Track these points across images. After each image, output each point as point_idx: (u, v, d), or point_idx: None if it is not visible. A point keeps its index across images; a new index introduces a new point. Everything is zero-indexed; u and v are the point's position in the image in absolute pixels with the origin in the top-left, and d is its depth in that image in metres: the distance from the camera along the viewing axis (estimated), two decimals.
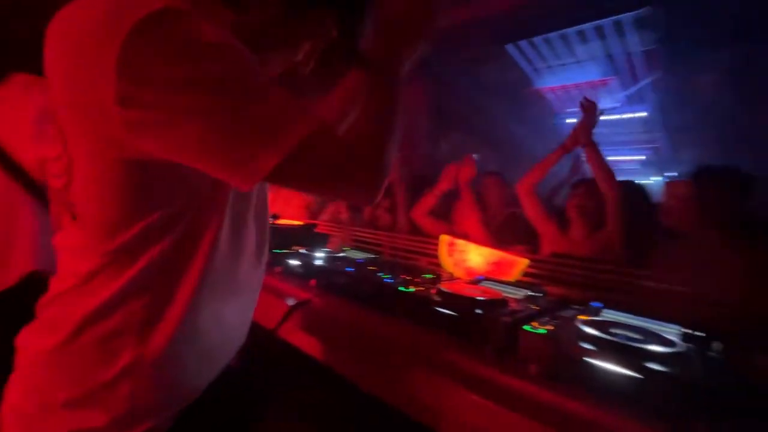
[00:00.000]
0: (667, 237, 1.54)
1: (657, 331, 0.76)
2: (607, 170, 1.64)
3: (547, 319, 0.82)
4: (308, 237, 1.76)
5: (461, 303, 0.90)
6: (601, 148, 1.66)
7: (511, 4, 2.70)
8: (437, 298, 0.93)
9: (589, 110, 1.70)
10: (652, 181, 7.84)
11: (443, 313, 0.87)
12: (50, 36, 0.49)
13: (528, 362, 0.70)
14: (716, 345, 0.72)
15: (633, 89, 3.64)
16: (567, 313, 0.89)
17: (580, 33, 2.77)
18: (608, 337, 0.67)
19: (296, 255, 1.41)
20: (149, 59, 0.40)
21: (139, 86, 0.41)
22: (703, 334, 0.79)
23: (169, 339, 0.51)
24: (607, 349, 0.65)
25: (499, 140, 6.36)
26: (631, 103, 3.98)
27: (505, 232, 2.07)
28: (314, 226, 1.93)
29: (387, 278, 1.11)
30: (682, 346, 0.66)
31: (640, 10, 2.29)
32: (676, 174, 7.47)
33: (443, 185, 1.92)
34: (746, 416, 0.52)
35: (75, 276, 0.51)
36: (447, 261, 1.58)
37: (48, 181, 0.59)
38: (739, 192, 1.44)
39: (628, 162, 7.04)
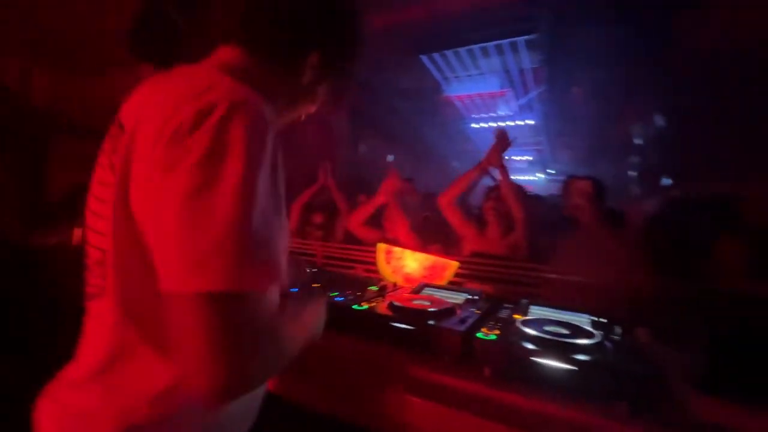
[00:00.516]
0: (565, 232, 1.81)
1: (578, 323, 0.91)
2: (514, 192, 1.84)
3: (491, 323, 0.91)
4: None
5: (415, 316, 0.94)
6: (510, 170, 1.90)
7: (425, 16, 2.87)
8: (392, 314, 0.97)
9: (501, 137, 1.91)
10: (537, 177, 9.19)
11: (400, 328, 0.91)
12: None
13: (483, 366, 0.78)
14: (617, 329, 0.90)
15: (524, 100, 4.18)
16: (504, 314, 1.01)
17: (484, 49, 3.08)
18: (545, 336, 0.79)
19: None
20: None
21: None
22: (605, 320, 0.98)
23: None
24: (546, 347, 0.76)
25: (413, 142, 6.72)
26: (523, 111, 4.58)
27: (423, 234, 2.21)
28: None
29: (336, 296, 1.10)
30: (598, 336, 0.81)
31: (531, 36, 2.65)
32: (554, 172, 8.86)
33: (380, 198, 1.98)
34: (648, 385, 0.67)
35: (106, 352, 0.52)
36: (385, 269, 1.63)
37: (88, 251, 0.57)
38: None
39: (519, 161, 8.14)
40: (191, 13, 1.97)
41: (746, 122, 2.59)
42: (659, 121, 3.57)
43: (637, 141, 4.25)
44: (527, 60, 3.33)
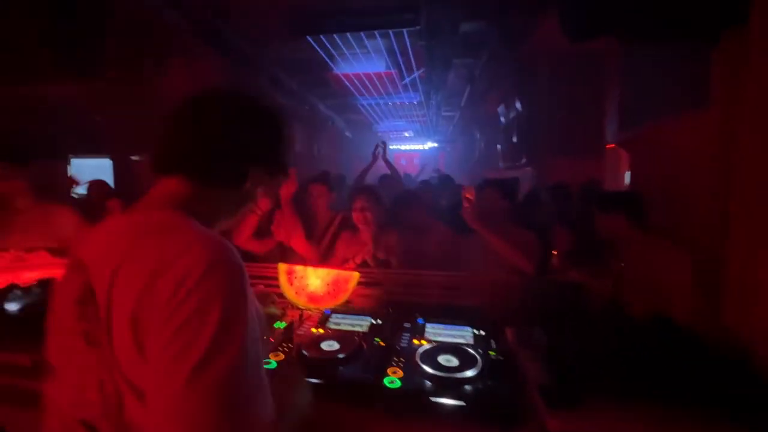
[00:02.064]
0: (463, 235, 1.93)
1: (463, 343, 1.08)
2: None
3: (395, 359, 1.01)
4: None
5: (326, 366, 0.98)
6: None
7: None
8: (304, 366, 0.99)
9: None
10: (427, 147, 9.87)
11: (314, 383, 0.94)
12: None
13: (388, 411, 0.88)
14: (492, 342, 1.10)
15: (407, 79, 4.32)
16: (405, 341, 1.13)
17: (369, 33, 3.04)
18: (441, 375, 0.92)
19: None
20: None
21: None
22: (484, 333, 1.18)
23: None
24: (443, 386, 0.89)
25: (302, 116, 6.40)
26: (406, 90, 4.75)
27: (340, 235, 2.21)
28: None
29: None
30: (479, 361, 0.97)
31: (414, 28, 2.71)
32: (436, 144, 9.62)
33: (264, 205, 1.82)
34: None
35: None
36: (289, 290, 1.61)
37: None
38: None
39: (408, 134, 8.60)
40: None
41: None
42: (517, 104, 4.14)
43: (502, 119, 4.88)
44: (409, 44, 3.41)
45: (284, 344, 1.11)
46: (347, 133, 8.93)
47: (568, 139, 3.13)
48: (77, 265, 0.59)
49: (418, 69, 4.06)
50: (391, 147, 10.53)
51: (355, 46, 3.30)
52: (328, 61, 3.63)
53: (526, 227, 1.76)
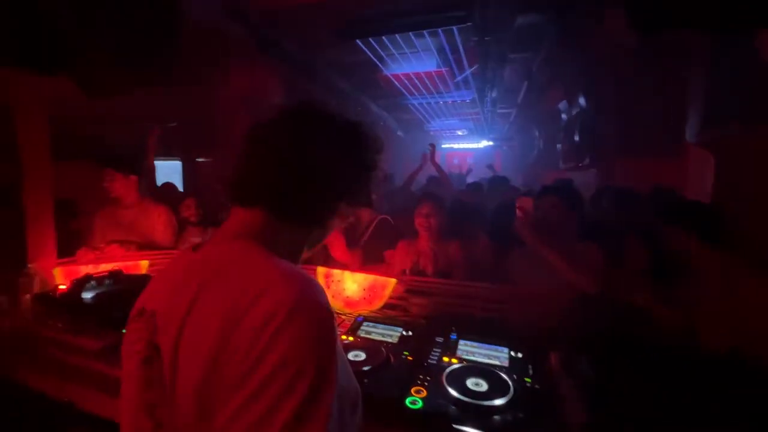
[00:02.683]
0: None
1: (496, 367, 1.00)
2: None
3: (421, 376, 0.98)
4: None
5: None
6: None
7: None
8: None
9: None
10: (481, 145, 9.53)
11: None
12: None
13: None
14: (530, 368, 1.01)
15: (459, 78, 4.19)
16: (434, 358, 1.08)
17: (418, 32, 2.98)
18: (466, 399, 0.86)
19: None
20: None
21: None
22: (522, 355, 1.09)
23: None
24: (466, 411, 0.84)
25: (357, 116, 6.52)
26: (459, 88, 4.61)
27: (378, 237, 2.21)
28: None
29: None
30: (511, 389, 0.90)
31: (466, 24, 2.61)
32: (491, 142, 9.24)
33: None
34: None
35: None
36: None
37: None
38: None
39: (461, 132, 8.37)
40: (84, 19, 1.67)
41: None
42: (581, 99, 3.80)
43: (563, 116, 4.52)
44: (460, 41, 3.29)
45: None
46: (399, 133, 8.92)
47: (639, 138, 2.79)
48: (143, 315, 0.55)
49: (470, 66, 3.91)
50: (443, 146, 10.34)
51: (404, 46, 3.26)
52: (377, 63, 3.64)
53: (587, 235, 1.58)
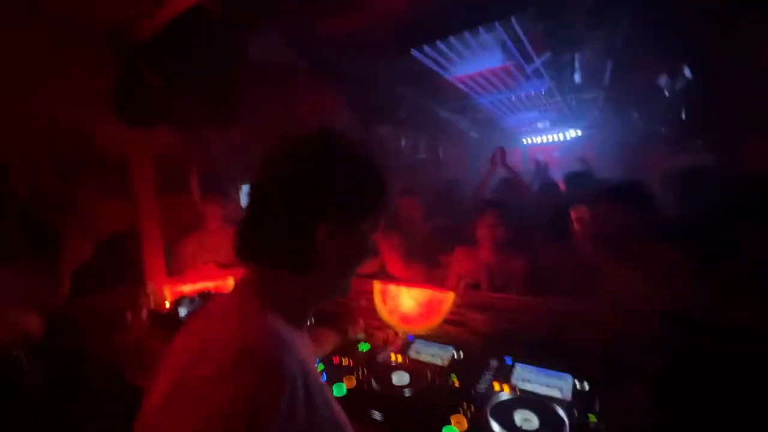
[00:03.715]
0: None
1: (553, 400, 0.88)
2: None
3: (465, 403, 0.91)
4: None
5: (393, 401, 0.96)
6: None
7: (406, 8, 2.71)
8: (372, 396, 0.99)
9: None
10: (565, 135, 8.68)
11: (378, 420, 0.93)
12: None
13: None
14: (597, 405, 0.86)
15: (530, 69, 3.87)
16: (485, 383, 1.00)
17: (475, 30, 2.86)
18: None
19: None
20: None
21: None
22: (588, 386, 0.94)
23: None
24: None
25: (424, 125, 6.51)
26: (531, 80, 4.26)
27: (431, 246, 2.16)
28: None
29: (323, 370, 1.14)
30: (566, 426, 0.78)
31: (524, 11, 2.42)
32: (579, 132, 8.31)
33: None
34: None
35: None
36: (382, 309, 1.65)
37: None
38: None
39: (541, 125, 7.73)
40: (167, 74, 2.01)
41: None
42: (686, 70, 3.18)
43: (666, 92, 3.84)
44: (521, 31, 3.06)
45: (361, 368, 1.14)
46: (472, 134, 8.60)
47: (764, 109, 2.21)
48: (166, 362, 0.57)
49: (540, 55, 3.59)
50: (525, 141, 9.61)
51: (461, 47, 3.15)
52: (437, 69, 3.58)
53: (684, 240, 1.30)
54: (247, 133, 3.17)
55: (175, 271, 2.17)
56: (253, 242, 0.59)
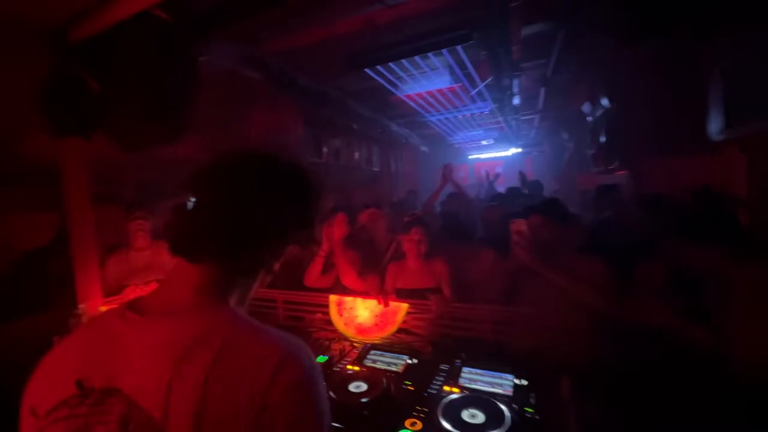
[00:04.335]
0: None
1: (497, 396, 0.98)
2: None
3: (418, 408, 0.97)
4: None
5: (351, 408, 0.99)
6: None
7: (360, 30, 2.82)
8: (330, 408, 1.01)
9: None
10: (509, 153, 9.35)
11: (336, 427, 0.96)
12: None
13: None
14: (531, 397, 0.97)
15: (474, 91, 4.18)
16: (435, 387, 1.08)
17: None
18: None
19: None
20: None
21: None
22: (526, 383, 1.05)
23: None
24: None
25: (377, 138, 6.67)
26: (476, 101, 4.60)
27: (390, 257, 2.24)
28: None
29: None
30: (507, 417, 0.87)
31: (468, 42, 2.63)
32: (520, 149, 9.04)
33: (325, 246, 1.92)
34: None
35: None
36: (338, 321, 1.67)
37: None
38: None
39: (486, 142, 8.28)
40: (108, 79, 1.90)
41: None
42: (604, 100, 3.64)
43: (588, 118, 4.35)
44: (466, 57, 3.32)
45: None
46: (423, 148, 8.96)
47: (668, 136, 2.61)
48: (92, 395, 0.50)
49: (483, 78, 3.90)
50: (470, 157, 10.21)
51: (411, 68, 3.33)
52: (389, 87, 3.74)
53: (601, 253, 1.51)
54: (196, 145, 3.06)
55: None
56: (231, 243, 0.58)
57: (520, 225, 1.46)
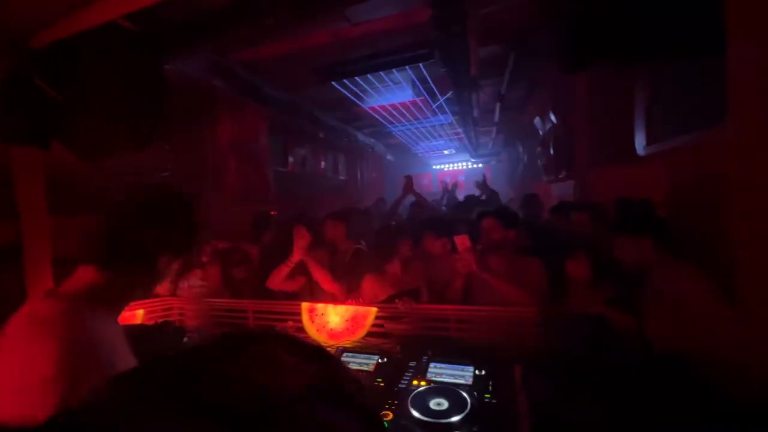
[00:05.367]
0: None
1: (459, 385, 1.09)
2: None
3: (389, 401, 1.06)
4: (158, 342, 1.61)
5: None
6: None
7: (327, 43, 2.92)
8: None
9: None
10: (466, 165, 9.78)
11: None
12: None
13: None
14: (490, 384, 1.10)
15: (435, 105, 4.41)
16: (405, 382, 1.17)
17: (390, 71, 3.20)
18: (427, 419, 0.95)
19: None
20: None
21: None
22: (485, 372, 1.18)
23: None
24: (427, 431, 0.92)
25: (343, 147, 6.76)
26: (437, 114, 4.83)
27: (354, 266, 2.31)
28: (167, 325, 1.76)
29: None
30: (468, 404, 0.99)
31: (430, 60, 2.82)
32: (479, 161, 9.49)
33: (296, 256, 1.98)
34: None
35: None
36: (310, 328, 1.73)
37: None
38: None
39: (448, 152, 8.64)
40: (67, 87, 1.84)
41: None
42: (551, 116, 3.99)
43: (539, 131, 4.71)
44: (427, 73, 3.51)
45: None
46: (389, 157, 9.16)
47: (605, 149, 2.94)
48: None
49: (443, 93, 4.13)
50: (434, 167, 10.58)
51: (376, 82, 3.48)
52: (354, 99, 3.86)
53: (540, 253, 1.71)
54: (163, 153, 2.99)
55: None
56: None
57: (463, 241, 1.65)
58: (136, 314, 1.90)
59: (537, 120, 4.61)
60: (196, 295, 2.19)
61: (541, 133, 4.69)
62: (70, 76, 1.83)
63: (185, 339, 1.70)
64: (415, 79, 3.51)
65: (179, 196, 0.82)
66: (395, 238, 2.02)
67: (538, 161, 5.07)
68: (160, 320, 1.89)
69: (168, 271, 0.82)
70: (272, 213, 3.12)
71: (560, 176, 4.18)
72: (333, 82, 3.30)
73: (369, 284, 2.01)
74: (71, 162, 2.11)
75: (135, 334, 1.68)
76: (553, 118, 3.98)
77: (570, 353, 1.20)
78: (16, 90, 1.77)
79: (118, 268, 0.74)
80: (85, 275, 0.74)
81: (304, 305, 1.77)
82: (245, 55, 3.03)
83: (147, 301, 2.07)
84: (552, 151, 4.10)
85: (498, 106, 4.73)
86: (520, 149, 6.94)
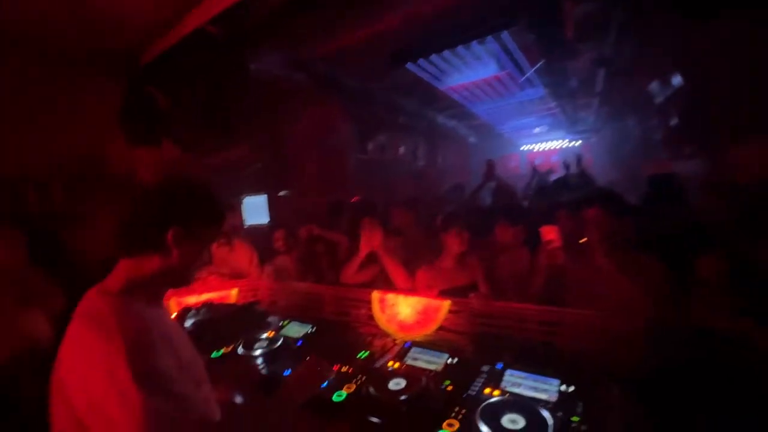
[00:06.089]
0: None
1: (539, 402, 0.95)
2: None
3: (457, 409, 0.97)
4: (248, 321, 1.76)
5: (389, 405, 1.02)
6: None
7: (400, 25, 2.81)
8: (368, 403, 1.05)
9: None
10: (563, 142, 8.77)
11: (375, 422, 0.99)
12: None
13: None
14: (579, 407, 0.92)
15: (523, 77, 3.98)
16: (475, 388, 1.06)
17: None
18: None
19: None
20: None
21: None
22: (573, 389, 1.00)
23: None
24: None
25: (423, 131, 6.61)
26: (525, 88, 4.36)
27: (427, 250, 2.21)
28: (254, 305, 1.93)
29: (323, 383, 1.19)
30: (550, 426, 0.84)
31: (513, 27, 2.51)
32: (576, 138, 8.40)
33: (363, 250, 1.98)
34: None
35: None
36: (380, 318, 1.71)
37: None
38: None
39: (538, 130, 7.84)
40: (176, 95, 2.10)
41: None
42: (675, 78, 3.26)
43: (656, 99, 3.92)
44: (512, 42, 3.16)
45: (360, 375, 1.20)
46: (471, 139, 8.70)
47: (750, 119, 2.27)
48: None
49: (532, 63, 3.69)
50: (522, 147, 9.71)
51: (455, 59, 3.25)
52: (432, 81, 3.69)
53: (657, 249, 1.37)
54: (249, 149, 3.26)
55: None
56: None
57: (550, 231, 1.40)
58: (231, 294, 2.12)
59: (654, 85, 3.84)
60: (280, 279, 2.37)
61: (658, 101, 3.89)
62: (174, 84, 2.07)
63: (268, 318, 1.84)
64: (499, 50, 3.18)
65: (194, 183, 0.83)
66: (446, 230, 1.88)
67: (654, 135, 4.25)
68: (249, 300, 2.07)
69: (197, 258, 0.84)
70: (352, 200, 3.20)
71: (686, 153, 3.43)
72: (409, 65, 3.18)
73: (422, 278, 1.91)
74: (184, 160, 2.40)
75: (227, 311, 1.88)
76: (677, 81, 3.25)
77: (684, 375, 0.95)
78: (136, 101, 2.07)
79: (135, 255, 0.77)
80: (122, 267, 0.78)
81: (375, 294, 1.76)
82: (321, 49, 3.09)
83: (239, 282, 2.29)
84: (675, 122, 3.37)
85: (601, 72, 4.07)
86: (629, 122, 5.92)
